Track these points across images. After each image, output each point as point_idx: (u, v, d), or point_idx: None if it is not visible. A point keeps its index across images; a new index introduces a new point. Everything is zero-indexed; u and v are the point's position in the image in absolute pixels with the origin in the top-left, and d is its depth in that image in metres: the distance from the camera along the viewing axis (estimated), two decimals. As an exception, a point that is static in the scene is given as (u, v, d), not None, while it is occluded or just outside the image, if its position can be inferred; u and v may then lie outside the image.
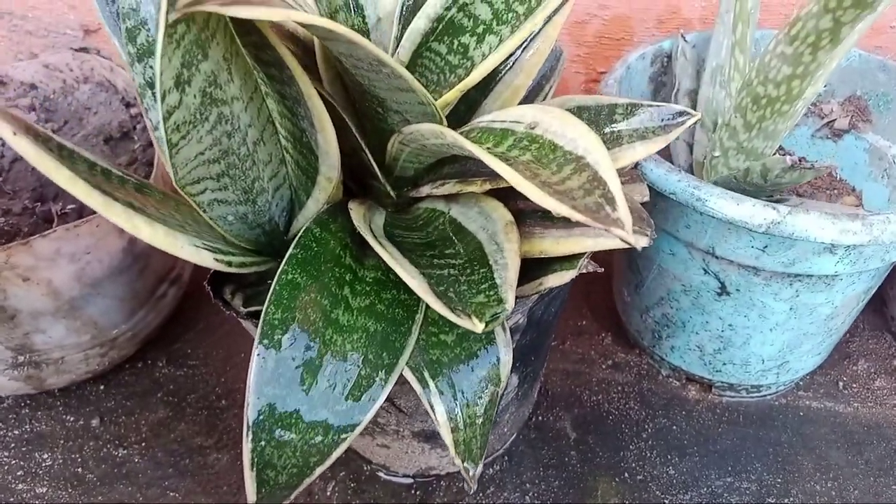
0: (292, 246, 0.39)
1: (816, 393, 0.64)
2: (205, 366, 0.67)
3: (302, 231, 0.40)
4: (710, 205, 0.46)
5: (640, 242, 0.43)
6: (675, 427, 0.61)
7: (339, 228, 0.41)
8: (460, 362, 0.39)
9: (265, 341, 0.35)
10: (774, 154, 0.53)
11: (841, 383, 0.65)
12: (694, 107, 0.62)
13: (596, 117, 0.42)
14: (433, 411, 0.38)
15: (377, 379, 0.36)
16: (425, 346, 0.39)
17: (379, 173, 0.43)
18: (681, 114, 0.40)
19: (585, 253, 0.41)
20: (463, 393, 0.39)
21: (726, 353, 0.58)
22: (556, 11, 0.40)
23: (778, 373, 0.60)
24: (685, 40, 0.63)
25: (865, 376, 0.65)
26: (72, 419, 0.62)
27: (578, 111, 0.43)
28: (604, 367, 0.66)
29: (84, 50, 0.65)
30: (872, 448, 0.60)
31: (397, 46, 0.44)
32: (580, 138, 0.35)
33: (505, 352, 0.40)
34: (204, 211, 0.39)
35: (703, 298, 0.55)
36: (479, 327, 0.32)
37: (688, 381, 0.64)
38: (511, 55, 0.47)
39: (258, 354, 0.35)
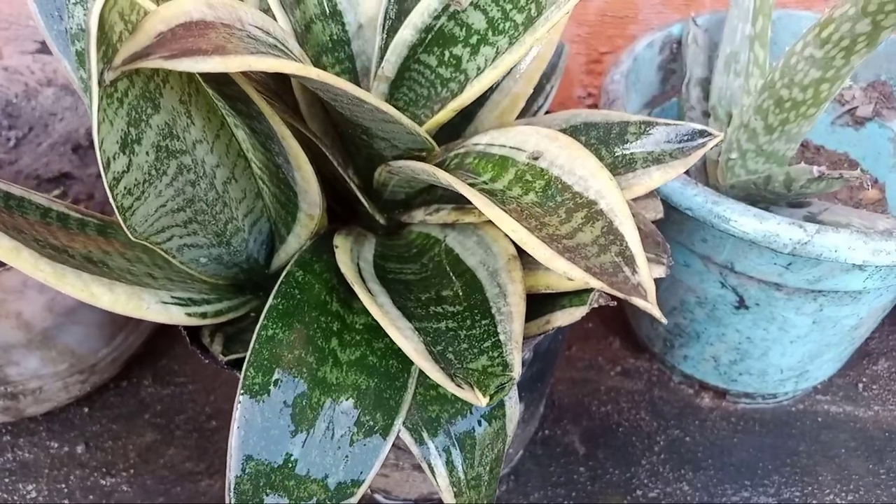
0: (272, 295, 0.35)
1: (835, 396, 0.61)
2: (192, 383, 0.64)
3: (283, 276, 0.36)
4: (731, 223, 0.42)
5: (656, 273, 0.40)
6: (688, 438, 0.58)
7: (325, 268, 0.38)
8: (462, 418, 0.36)
9: (246, 405, 0.31)
10: (795, 154, 0.49)
11: (860, 385, 0.62)
12: (706, 96, 0.58)
13: (605, 136, 0.38)
14: (433, 474, 0.35)
15: (370, 444, 0.33)
16: (423, 401, 0.35)
17: (367, 203, 0.39)
18: (700, 133, 0.36)
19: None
20: (466, 452, 0.35)
21: (743, 364, 0.55)
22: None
23: (797, 381, 0.57)
24: (696, 25, 0.58)
25: (887, 376, 0.62)
26: (56, 445, 0.59)
27: (586, 129, 0.39)
28: (612, 374, 0.63)
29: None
30: (895, 455, 0.57)
31: (382, 59, 0.40)
32: (591, 177, 0.31)
33: (511, 405, 0.36)
34: (173, 256, 0.35)
35: (720, 311, 0.51)
36: (482, 401, 0.29)
37: (701, 389, 0.61)
38: (509, 64, 0.42)
39: (237, 427, 0.31)
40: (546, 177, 0.33)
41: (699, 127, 0.36)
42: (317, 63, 0.40)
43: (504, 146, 0.36)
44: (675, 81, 0.61)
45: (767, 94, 0.44)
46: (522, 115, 0.48)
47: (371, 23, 0.42)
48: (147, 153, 0.27)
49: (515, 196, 0.32)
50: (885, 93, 0.58)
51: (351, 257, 0.37)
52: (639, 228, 0.42)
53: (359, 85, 0.43)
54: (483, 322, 0.34)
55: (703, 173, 0.55)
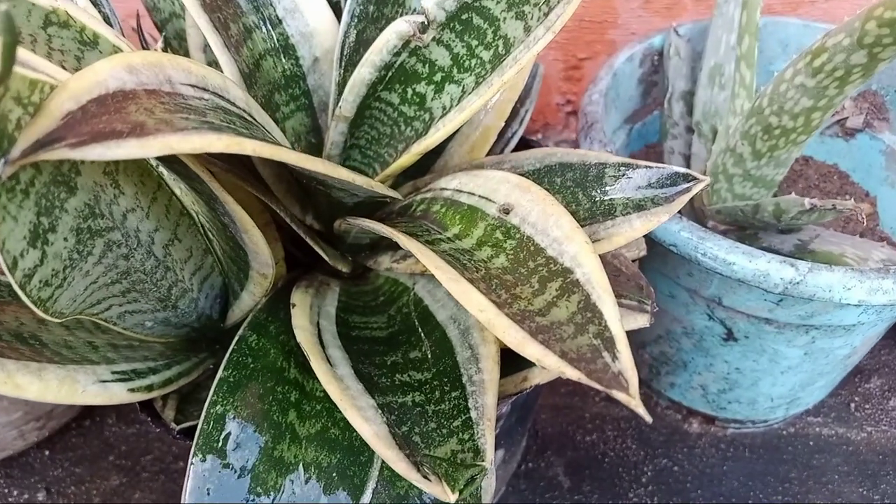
0: (222, 366, 0.32)
1: (826, 418, 0.59)
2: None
3: (235, 342, 0.33)
4: (718, 261, 0.39)
5: (639, 322, 0.37)
6: (676, 468, 0.56)
7: (282, 328, 0.35)
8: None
9: (194, 496, 0.29)
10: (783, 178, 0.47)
11: (853, 405, 0.60)
12: (690, 111, 0.55)
13: (582, 179, 0.35)
14: (403, 556, 0.32)
15: (334, 530, 0.30)
16: (391, 476, 0.33)
17: (326, 255, 0.36)
18: (685, 177, 0.33)
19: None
20: (438, 531, 0.33)
21: (732, 393, 0.52)
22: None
23: (788, 408, 0.55)
24: (678, 35, 0.55)
25: (879, 395, 0.61)
26: (16, 493, 0.56)
27: (561, 170, 0.36)
28: (597, 399, 0.61)
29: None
30: (889, 480, 0.55)
31: (340, 97, 0.37)
32: (567, 240, 0.28)
33: (487, 481, 0.34)
34: (114, 324, 0.32)
35: (708, 343, 0.49)
36: (450, 497, 0.26)
37: (689, 414, 0.59)
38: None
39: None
40: (518, 236, 0.30)
41: (682, 170, 0.33)
42: (268, 102, 0.37)
43: (473, 194, 0.34)
44: (656, 94, 0.58)
45: (755, 120, 0.41)
46: (497, 140, 0.45)
47: (327, 55, 0.38)
48: (66, 239, 0.24)
49: (485, 259, 0.29)
50: (876, 104, 0.56)
51: (310, 317, 0.34)
52: (620, 270, 0.40)
53: (316, 121, 0.40)
54: (453, 394, 0.31)
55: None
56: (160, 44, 0.34)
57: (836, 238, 0.45)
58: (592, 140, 0.47)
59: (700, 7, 0.65)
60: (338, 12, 0.39)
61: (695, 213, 0.52)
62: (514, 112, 0.46)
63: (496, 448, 0.39)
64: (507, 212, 0.32)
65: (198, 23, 0.32)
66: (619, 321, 0.25)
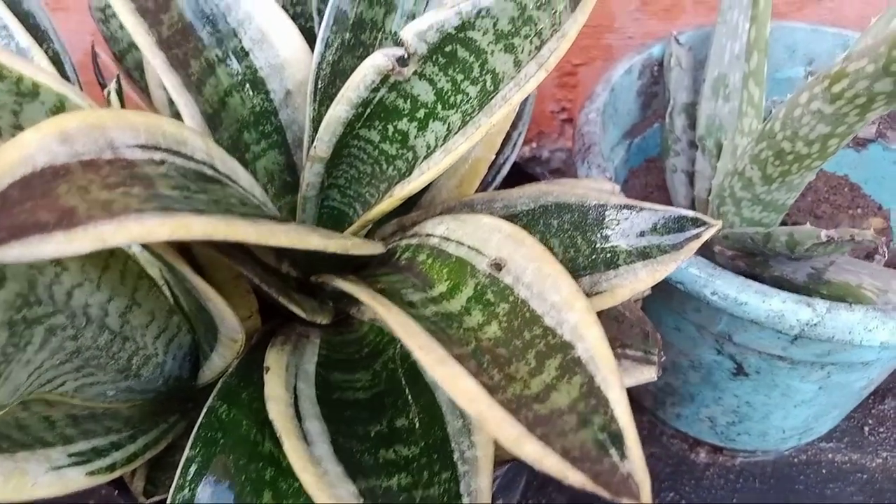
0: (189, 444, 0.29)
1: (840, 443, 0.56)
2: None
3: (203, 415, 0.30)
4: (729, 301, 0.37)
5: (645, 376, 0.34)
6: (684, 501, 0.53)
7: (255, 395, 0.32)
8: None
9: None
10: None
11: (866, 428, 0.57)
12: (692, 124, 0.52)
13: (580, 222, 0.32)
14: None
15: None
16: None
17: (303, 313, 0.33)
18: (693, 221, 0.30)
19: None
20: None
21: (742, 425, 0.50)
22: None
23: (800, 437, 0.52)
24: (679, 44, 0.51)
25: (894, 417, 0.58)
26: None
27: (558, 212, 0.33)
28: (599, 427, 0.58)
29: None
30: (907, 508, 0.53)
31: (315, 135, 0.33)
32: (566, 307, 0.25)
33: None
34: (71, 397, 0.29)
35: (716, 376, 0.46)
36: None
37: (696, 444, 0.56)
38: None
39: None
40: (511, 299, 0.27)
41: (690, 213, 0.30)
42: (236, 143, 0.34)
43: (462, 244, 0.31)
44: (656, 106, 0.55)
45: (766, 144, 0.38)
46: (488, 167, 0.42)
47: (301, 88, 0.35)
48: (-9, 335, 0.21)
49: (475, 327, 0.26)
50: (889, 113, 0.53)
51: (286, 382, 0.31)
52: (623, 315, 0.37)
53: (291, 158, 0.37)
54: (443, 476, 0.28)
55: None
56: (113, 84, 0.31)
57: (853, 266, 0.42)
58: (590, 164, 0.43)
59: (700, 9, 0.62)
60: (312, 40, 0.36)
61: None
62: (507, 137, 0.43)
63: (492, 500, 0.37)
64: (499, 267, 0.28)
65: (153, 63, 0.29)
66: (627, 409, 0.22)
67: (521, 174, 0.52)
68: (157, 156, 0.24)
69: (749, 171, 0.41)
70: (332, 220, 0.38)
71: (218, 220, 0.21)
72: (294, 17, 0.37)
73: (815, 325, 0.35)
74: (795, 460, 0.55)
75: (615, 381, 0.23)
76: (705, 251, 0.49)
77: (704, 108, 0.50)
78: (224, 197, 0.26)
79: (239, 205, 0.26)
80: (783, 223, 0.47)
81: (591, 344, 0.24)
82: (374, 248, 0.30)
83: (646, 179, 0.55)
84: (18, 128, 0.27)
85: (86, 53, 0.43)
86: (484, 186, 0.43)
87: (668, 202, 0.53)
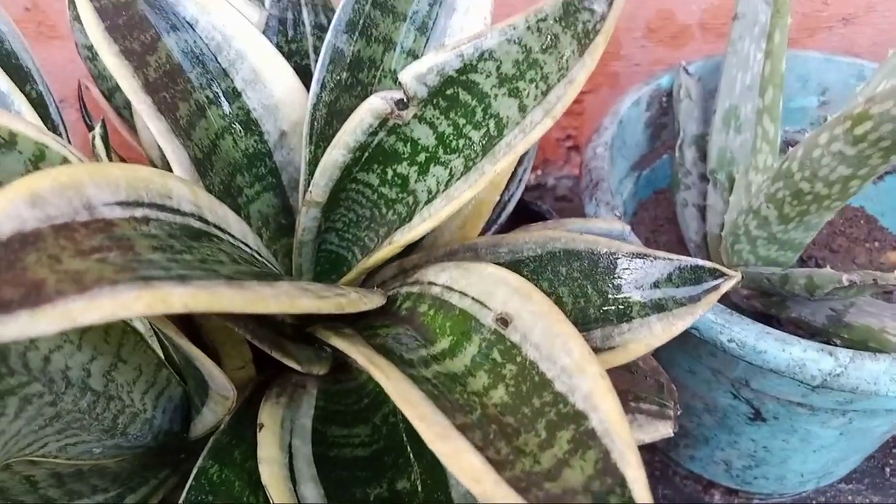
0: (178, 509, 0.27)
1: (859, 485, 0.54)
2: None
3: (193, 478, 0.28)
4: (746, 350, 0.35)
5: (661, 431, 0.32)
6: (698, 546, 0.51)
7: (248, 453, 0.30)
8: None
9: None
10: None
11: (888, 469, 0.55)
12: (703, 157, 0.50)
13: (591, 270, 0.31)
14: None
15: None
16: None
17: (298, 366, 0.31)
18: (711, 272, 0.28)
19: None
20: None
21: (759, 469, 0.48)
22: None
23: (819, 481, 0.50)
24: (688, 74, 0.50)
25: (915, 456, 0.56)
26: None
27: (567, 259, 0.31)
28: (608, 467, 0.56)
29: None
30: (931, 555, 0.50)
31: (311, 179, 0.32)
32: (578, 372, 0.24)
33: None
34: (55, 457, 0.28)
35: (732, 420, 0.44)
36: None
37: (710, 486, 0.54)
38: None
39: None
40: (519, 360, 0.25)
41: (707, 264, 0.28)
42: (228, 187, 0.32)
43: (465, 295, 0.29)
44: (666, 137, 0.54)
45: (783, 184, 0.36)
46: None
47: (296, 128, 0.34)
48: (-45, 413, 0.20)
49: (480, 391, 0.25)
50: (906, 144, 0.51)
51: (280, 440, 0.30)
52: (636, 365, 0.35)
53: (287, 200, 0.35)
54: (446, 550, 0.26)
55: (703, 250, 0.48)
56: (98, 129, 0.29)
57: (874, 307, 0.40)
58: (598, 202, 0.42)
59: (708, 35, 0.61)
60: (308, 78, 0.34)
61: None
62: (512, 174, 0.42)
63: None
64: (505, 323, 0.27)
65: (138, 109, 0.27)
66: (646, 490, 0.21)
67: (526, 211, 0.50)
68: (139, 213, 0.23)
69: (765, 210, 0.39)
70: (330, 263, 0.36)
71: (199, 290, 0.19)
72: (289, 55, 0.36)
73: (838, 375, 0.34)
74: (814, 503, 0.53)
75: (633, 457, 0.21)
76: (719, 289, 0.47)
77: (715, 141, 0.48)
78: (211, 254, 0.24)
79: (228, 261, 0.25)
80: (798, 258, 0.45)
81: (606, 415, 0.22)
82: (371, 302, 0.28)
83: (655, 212, 0.54)
84: (-6, 180, 0.26)
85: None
86: (488, 224, 0.42)
87: (679, 236, 0.51)
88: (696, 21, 0.60)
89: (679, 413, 0.32)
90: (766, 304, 0.43)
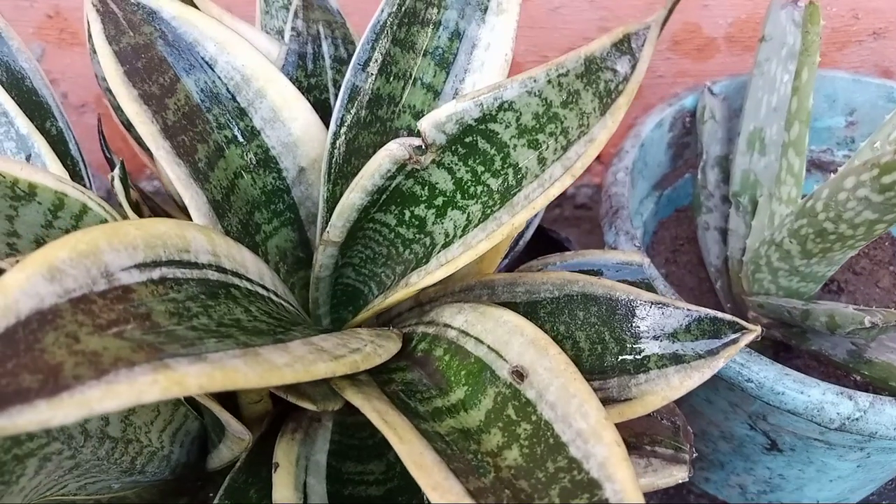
0: (193, 553, 0.28)
1: (877, 508, 0.54)
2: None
3: (208, 519, 0.29)
4: (764, 391, 0.35)
5: (676, 476, 0.32)
6: (710, 568, 0.51)
7: (264, 492, 0.30)
8: None
9: None
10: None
11: (905, 493, 0.55)
12: (725, 178, 0.49)
13: (608, 317, 0.30)
14: None
15: None
16: None
17: (313, 407, 0.31)
18: (731, 325, 0.28)
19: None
20: None
21: (774, 495, 0.47)
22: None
23: (835, 507, 0.50)
24: (713, 94, 0.49)
25: (934, 480, 0.55)
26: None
27: (584, 303, 0.31)
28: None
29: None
30: (947, 582, 0.50)
31: (328, 217, 0.32)
32: (594, 438, 0.23)
33: None
34: (74, 495, 0.28)
35: (748, 449, 0.44)
36: None
37: (724, 506, 0.54)
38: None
39: None
40: (534, 419, 0.25)
41: (726, 317, 0.28)
42: (246, 225, 0.32)
43: (481, 342, 0.29)
44: (688, 156, 0.53)
45: (806, 221, 0.36)
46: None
47: (315, 164, 0.34)
48: (-24, 484, 0.20)
49: (494, 450, 0.25)
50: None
51: (295, 479, 0.30)
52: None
53: (304, 234, 0.35)
54: None
55: (724, 275, 0.48)
56: (117, 171, 0.29)
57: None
58: (618, 230, 0.41)
59: (734, 48, 0.59)
60: (326, 112, 0.34)
61: (733, 299, 0.46)
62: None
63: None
64: (521, 377, 0.27)
65: (157, 155, 0.27)
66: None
67: (544, 237, 0.50)
68: (157, 273, 0.23)
69: (787, 245, 0.38)
70: (347, 296, 0.36)
71: (214, 369, 0.19)
72: (308, 89, 0.36)
73: (857, 419, 0.33)
74: (829, 526, 0.53)
75: (645, 533, 0.21)
76: (740, 318, 0.46)
77: (739, 163, 0.48)
78: (228, 311, 0.24)
79: (244, 317, 0.25)
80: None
81: (622, 485, 0.22)
82: (386, 352, 0.28)
83: (676, 231, 0.53)
84: (13, 234, 0.26)
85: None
86: (506, 252, 0.41)
87: (699, 256, 0.50)
88: (721, 34, 0.59)
89: (695, 456, 0.32)
90: (786, 334, 0.43)
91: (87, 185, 0.33)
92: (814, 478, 0.44)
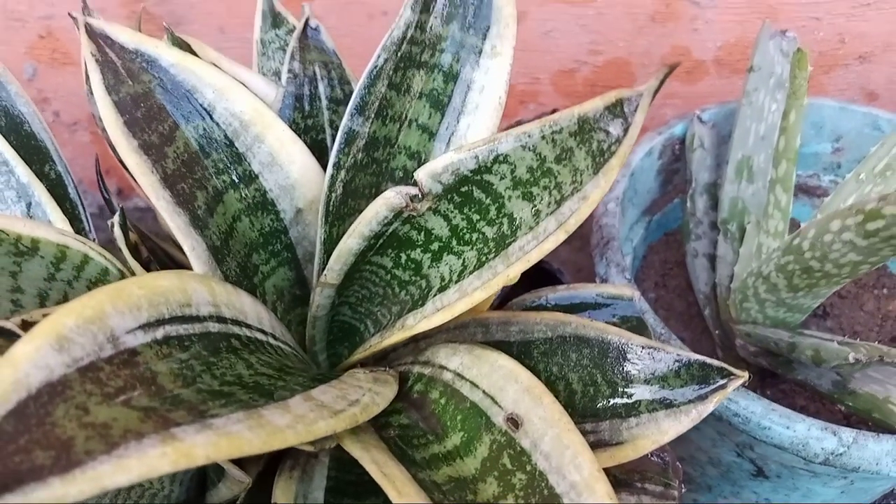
0: None
1: (860, 526, 0.55)
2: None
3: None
4: (751, 426, 0.35)
5: (665, 513, 0.33)
6: (698, 586, 0.52)
7: (263, 533, 0.31)
8: None
9: None
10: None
11: (888, 510, 0.56)
12: (714, 205, 0.50)
13: (600, 359, 0.31)
14: None
15: None
16: None
17: (311, 450, 0.32)
18: (720, 371, 0.29)
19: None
20: None
21: (760, 517, 0.49)
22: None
23: (820, 528, 0.51)
24: (702, 122, 0.50)
25: (916, 498, 0.56)
26: None
27: (577, 345, 0.32)
28: (612, 503, 0.57)
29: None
30: None
31: (325, 258, 0.32)
32: (588, 491, 0.24)
33: None
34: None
35: (735, 475, 0.45)
36: None
37: (711, 526, 0.55)
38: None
39: None
40: (529, 469, 0.26)
41: (715, 363, 0.29)
42: (244, 268, 0.32)
43: (477, 387, 0.29)
44: (677, 181, 0.54)
45: (793, 258, 0.37)
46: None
47: (312, 206, 0.34)
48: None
49: (489, 501, 0.25)
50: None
51: (294, 521, 0.30)
52: (643, 441, 0.36)
53: (301, 272, 0.36)
54: None
55: (712, 302, 0.49)
56: (117, 217, 0.30)
57: (881, 373, 0.41)
58: (609, 262, 0.42)
59: (723, 71, 0.60)
60: (323, 152, 0.35)
61: (721, 326, 0.47)
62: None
63: None
64: (515, 424, 0.27)
65: (157, 205, 0.28)
66: None
67: (538, 270, 0.51)
68: (160, 333, 0.23)
69: (775, 279, 0.39)
70: (343, 333, 0.37)
71: (220, 437, 0.20)
72: (305, 130, 0.36)
73: (841, 455, 0.34)
74: (814, 544, 0.54)
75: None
76: (728, 344, 0.47)
77: (728, 191, 0.48)
78: (230, 367, 0.25)
79: (245, 371, 0.25)
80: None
81: (613, 542, 0.23)
82: (384, 400, 0.28)
83: (665, 255, 0.54)
84: (17, 290, 0.26)
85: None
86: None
87: (688, 281, 0.51)
88: (711, 57, 0.60)
89: (683, 492, 0.33)
90: (772, 363, 0.43)
91: (86, 226, 0.33)
92: (799, 501, 0.45)
